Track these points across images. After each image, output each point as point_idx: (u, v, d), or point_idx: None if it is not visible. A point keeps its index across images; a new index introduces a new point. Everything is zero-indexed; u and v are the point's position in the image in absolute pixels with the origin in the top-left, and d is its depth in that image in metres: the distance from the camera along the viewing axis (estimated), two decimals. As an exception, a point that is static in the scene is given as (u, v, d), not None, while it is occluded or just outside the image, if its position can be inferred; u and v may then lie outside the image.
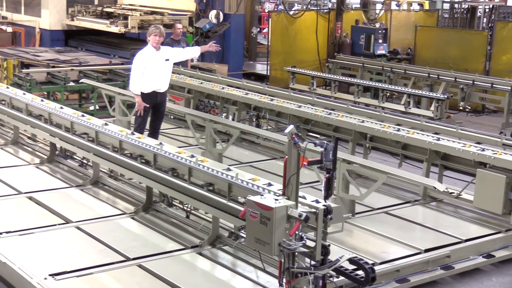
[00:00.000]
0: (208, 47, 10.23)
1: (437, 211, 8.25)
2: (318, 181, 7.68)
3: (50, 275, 5.95)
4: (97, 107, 13.27)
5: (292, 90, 12.91)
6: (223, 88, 11.67)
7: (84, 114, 8.90)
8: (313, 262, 5.18)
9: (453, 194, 8.34)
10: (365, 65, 16.29)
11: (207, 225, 7.02)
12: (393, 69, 15.49)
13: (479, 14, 22.13)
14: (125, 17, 16.97)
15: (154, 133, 9.49)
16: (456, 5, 22.56)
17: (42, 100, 9.78)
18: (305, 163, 5.25)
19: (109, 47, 17.87)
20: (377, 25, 18.68)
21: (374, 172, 7.47)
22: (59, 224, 7.28)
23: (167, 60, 9.32)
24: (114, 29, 16.90)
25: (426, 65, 15.45)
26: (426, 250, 6.83)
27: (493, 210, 7.68)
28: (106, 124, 8.29)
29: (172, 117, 12.39)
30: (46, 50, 16.81)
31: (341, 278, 5.52)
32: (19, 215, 7.49)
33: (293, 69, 15.76)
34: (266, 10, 26.85)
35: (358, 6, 21.70)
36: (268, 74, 18.60)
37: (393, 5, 21.65)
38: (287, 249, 5.03)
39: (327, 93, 14.74)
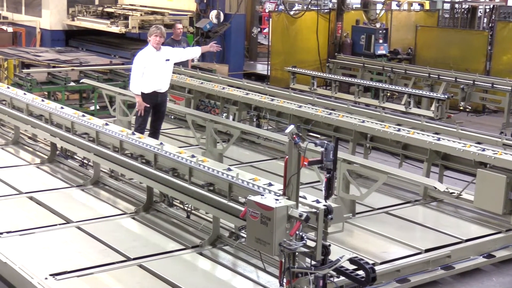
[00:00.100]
0: (208, 47, 10.24)
1: (438, 211, 8.26)
2: (318, 181, 7.68)
3: (50, 275, 5.96)
4: (98, 107, 13.27)
5: (292, 90, 12.91)
6: (223, 88, 11.68)
7: (85, 114, 8.90)
8: (313, 262, 5.18)
9: (453, 194, 8.34)
10: (365, 65, 16.29)
11: (208, 225, 7.03)
12: (393, 69, 15.48)
13: (479, 14, 22.11)
14: (126, 17, 16.98)
15: (154, 133, 9.50)
16: (456, 5, 22.55)
17: (42, 100, 9.78)
18: (305, 163, 5.25)
19: (109, 47, 17.87)
20: (378, 25, 18.68)
21: (374, 172, 7.47)
22: (59, 224, 7.28)
23: (168, 60, 9.32)
24: (114, 29, 16.90)
25: (427, 65, 15.45)
26: (427, 250, 6.84)
27: (493, 210, 7.69)
28: (106, 124, 8.29)
29: (172, 117, 12.40)
30: (47, 50, 16.82)
31: (342, 278, 5.52)
32: (20, 215, 7.50)
33: (293, 69, 15.76)
34: (267, 10, 26.84)
35: (359, 6, 21.71)
36: (269, 74, 18.60)
37: (394, 5, 21.64)
38: (288, 249, 5.03)
39: (328, 93, 14.73)
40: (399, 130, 8.82)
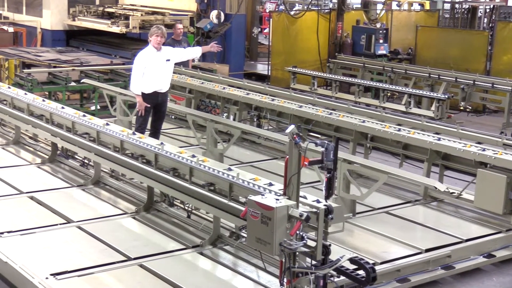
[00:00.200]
0: (209, 48, 10.24)
1: (438, 211, 8.26)
2: (319, 181, 7.69)
3: (51, 274, 5.97)
4: (98, 107, 13.29)
5: (293, 90, 12.90)
6: (224, 88, 11.68)
7: (86, 114, 8.90)
8: (314, 262, 5.19)
9: (453, 194, 8.35)
10: (366, 65, 16.29)
11: (208, 225, 7.03)
12: (394, 69, 15.49)
13: (479, 14, 22.14)
14: (126, 17, 16.99)
15: (155, 133, 9.50)
16: (457, 5, 22.57)
17: (43, 100, 9.78)
18: (306, 163, 5.25)
19: (110, 47, 17.88)
20: (378, 25, 18.69)
21: (375, 172, 7.48)
22: (60, 224, 7.29)
23: (168, 60, 9.33)
24: (115, 29, 16.91)
25: (427, 65, 15.45)
26: (427, 250, 6.84)
27: (493, 210, 7.69)
28: (107, 124, 8.30)
29: (173, 117, 12.41)
30: (48, 50, 16.84)
31: (342, 277, 5.53)
32: (21, 215, 7.50)
33: (294, 69, 15.76)
34: (267, 10, 26.84)
35: (359, 6, 21.75)
36: (269, 74, 18.60)
37: (394, 5, 21.65)
38: (288, 249, 5.03)
39: (328, 93, 14.73)
40: (399, 130, 8.82)
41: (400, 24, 19.72)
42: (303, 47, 18.45)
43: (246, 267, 6.32)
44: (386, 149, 9.26)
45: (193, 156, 6.91)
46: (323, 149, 5.34)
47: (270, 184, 5.95)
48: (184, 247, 6.72)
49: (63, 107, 9.25)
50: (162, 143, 7.40)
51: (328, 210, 5.24)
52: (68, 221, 7.37)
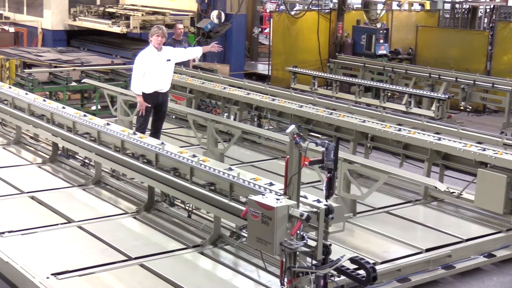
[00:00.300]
0: (210, 48, 10.25)
1: (438, 210, 8.27)
2: (319, 181, 7.70)
3: (52, 274, 5.97)
4: (99, 107, 13.30)
5: (293, 90, 12.90)
6: (224, 88, 11.69)
7: (86, 114, 8.91)
8: (314, 262, 5.20)
9: (454, 193, 8.35)
10: (366, 65, 16.30)
11: (209, 225, 7.04)
12: (394, 69, 15.49)
13: (480, 14, 22.15)
14: (127, 17, 17.00)
15: (156, 133, 9.51)
16: (457, 5, 22.57)
17: (44, 100, 9.79)
18: (306, 162, 5.26)
19: (111, 47, 17.90)
20: (378, 25, 18.71)
21: (375, 172, 7.48)
22: (61, 224, 7.30)
23: (169, 60, 9.34)
24: (116, 29, 16.92)
25: (427, 65, 15.46)
26: (427, 250, 6.85)
27: (494, 210, 7.69)
28: (108, 124, 8.31)
29: (173, 117, 12.41)
30: (48, 50, 16.86)
31: (343, 277, 5.54)
32: (21, 214, 7.51)
33: (294, 69, 15.76)
34: (268, 10, 26.85)
35: (360, 6, 21.76)
36: (270, 74, 18.61)
37: (394, 5, 21.66)
38: (289, 249, 5.04)
39: (329, 93, 14.73)
40: (399, 130, 8.83)
41: (401, 24, 19.73)
42: (304, 47, 18.46)
43: (246, 266, 6.33)
44: (387, 149, 9.26)
45: (194, 156, 6.92)
46: (323, 149, 5.34)
47: (271, 184, 5.95)
48: (184, 247, 6.73)
49: (64, 107, 9.26)
50: (162, 143, 7.41)
51: (329, 210, 5.24)
52: (69, 221, 7.38)
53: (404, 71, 15.36)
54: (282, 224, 5.05)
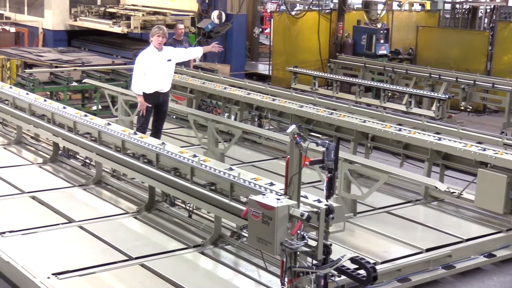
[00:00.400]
0: (210, 48, 10.26)
1: (439, 210, 8.28)
2: (320, 181, 7.71)
3: (53, 274, 5.98)
4: (100, 107, 13.31)
5: (294, 90, 12.91)
6: (225, 88, 11.69)
7: (87, 114, 8.91)
8: (315, 262, 5.21)
9: (454, 193, 8.36)
10: (366, 65, 16.31)
11: (209, 225, 7.04)
12: (394, 69, 15.50)
13: (480, 14, 22.15)
14: (128, 18, 17.01)
15: (156, 133, 9.52)
16: (457, 6, 22.58)
17: (45, 100, 9.80)
18: (307, 162, 5.27)
19: (111, 47, 17.91)
20: (379, 25, 18.71)
21: (375, 172, 7.49)
22: (62, 224, 7.30)
23: (169, 60, 9.35)
24: (116, 29, 16.94)
25: (428, 65, 15.46)
26: (428, 250, 6.85)
27: (494, 210, 7.70)
28: (108, 124, 8.32)
29: (174, 117, 12.42)
30: (49, 50, 16.87)
31: (343, 277, 5.55)
32: (22, 214, 7.52)
33: (295, 69, 15.75)
34: (268, 11, 26.86)
35: (360, 6, 21.74)
36: (270, 74, 18.61)
37: (395, 6, 21.67)
38: (289, 249, 5.05)
39: (329, 93, 14.74)
40: (400, 130, 8.83)
41: (401, 24, 19.73)
42: (304, 47, 18.46)
43: (247, 266, 6.33)
44: (387, 149, 9.26)
45: (194, 156, 6.93)
46: (324, 149, 5.35)
47: (271, 184, 5.96)
48: (185, 246, 6.74)
49: (64, 107, 9.27)
50: (163, 143, 7.42)
51: (329, 210, 5.25)
52: (70, 220, 7.38)
53: (405, 71, 15.36)
54: (282, 224, 5.06)
